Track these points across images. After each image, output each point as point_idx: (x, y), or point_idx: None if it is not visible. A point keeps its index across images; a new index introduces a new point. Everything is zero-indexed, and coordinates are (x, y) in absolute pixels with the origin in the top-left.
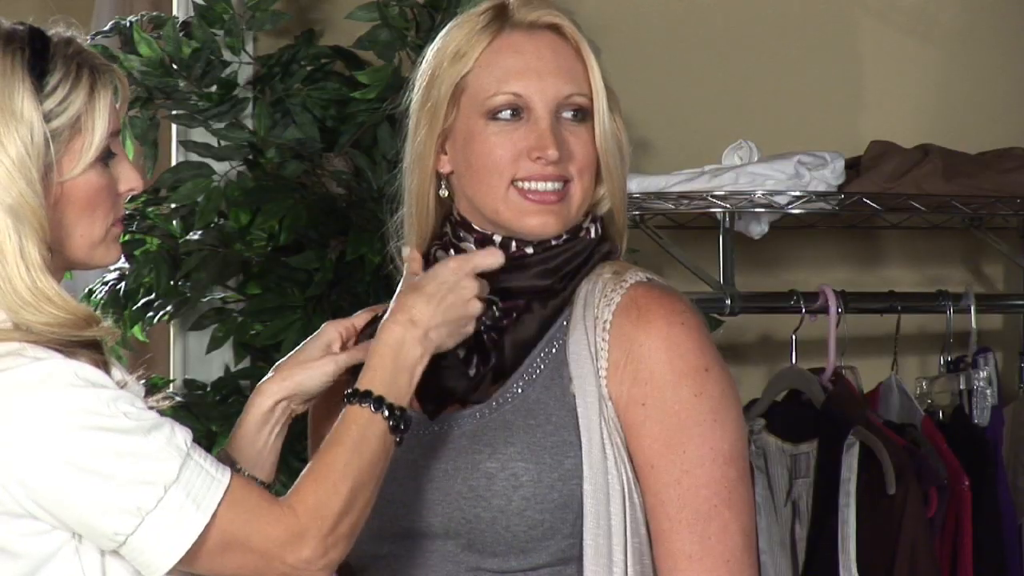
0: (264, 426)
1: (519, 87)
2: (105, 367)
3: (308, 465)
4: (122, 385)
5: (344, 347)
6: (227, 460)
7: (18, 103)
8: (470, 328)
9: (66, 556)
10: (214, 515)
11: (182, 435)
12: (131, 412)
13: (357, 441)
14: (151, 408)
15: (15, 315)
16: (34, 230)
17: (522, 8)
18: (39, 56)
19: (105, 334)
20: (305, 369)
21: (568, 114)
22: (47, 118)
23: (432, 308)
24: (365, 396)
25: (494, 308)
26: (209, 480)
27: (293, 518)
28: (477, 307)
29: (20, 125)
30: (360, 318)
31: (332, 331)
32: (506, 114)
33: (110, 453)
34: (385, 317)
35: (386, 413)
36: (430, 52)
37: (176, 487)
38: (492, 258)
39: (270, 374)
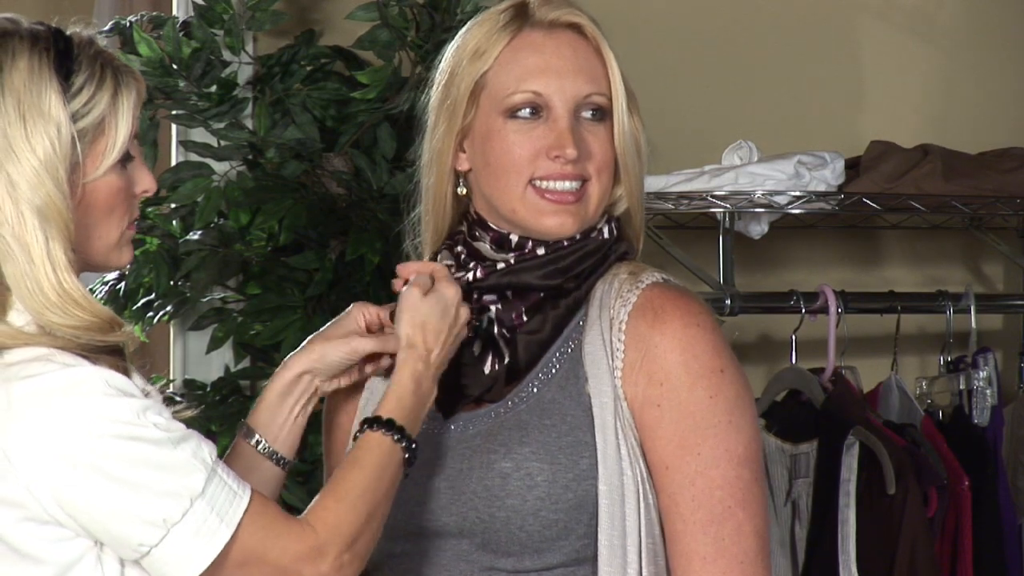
0: (286, 397)
1: (538, 86)
2: (127, 374)
3: (326, 485)
4: (145, 394)
5: (370, 331)
6: (248, 431)
7: (46, 103)
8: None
9: (88, 564)
10: (236, 530)
11: (207, 449)
12: (160, 423)
13: (377, 466)
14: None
15: (40, 316)
16: (60, 231)
17: (543, 7)
18: (64, 56)
19: (127, 339)
20: (328, 343)
21: (587, 113)
22: (73, 118)
23: (440, 344)
24: (389, 425)
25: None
26: (232, 495)
27: (313, 534)
28: (465, 329)
29: (48, 125)
30: (386, 311)
31: (357, 312)
32: (525, 112)
33: (139, 463)
34: (401, 351)
35: (405, 444)
36: (449, 50)
37: (201, 500)
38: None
39: (297, 349)
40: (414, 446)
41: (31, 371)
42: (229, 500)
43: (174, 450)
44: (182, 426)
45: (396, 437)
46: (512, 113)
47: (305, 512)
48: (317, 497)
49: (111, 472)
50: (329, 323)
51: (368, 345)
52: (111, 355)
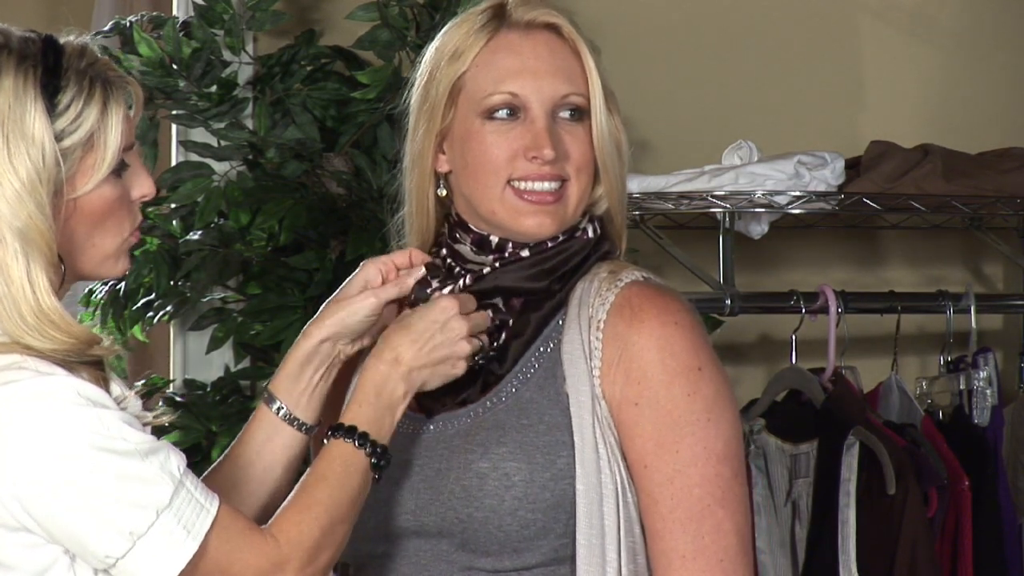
0: (307, 366)
1: (516, 87)
2: (105, 383)
3: (291, 495)
4: (121, 401)
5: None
6: (269, 397)
7: (30, 124)
8: (459, 368)
9: (60, 570)
10: (203, 543)
11: (176, 461)
12: (129, 435)
13: (340, 476)
14: (150, 422)
15: (18, 339)
16: (42, 253)
17: (520, 8)
18: (52, 73)
19: (106, 353)
20: (346, 306)
21: (565, 114)
22: (59, 137)
23: (417, 348)
24: (350, 432)
25: (485, 349)
26: (199, 508)
27: (276, 548)
28: (465, 348)
29: (31, 147)
30: (399, 256)
31: (371, 268)
32: (503, 113)
33: (106, 474)
34: (371, 354)
35: (369, 450)
36: (429, 51)
37: (168, 513)
38: (481, 319)
39: (314, 317)
40: (380, 450)
41: (3, 379)
42: (196, 513)
43: (142, 462)
44: (151, 438)
45: (358, 443)
46: (490, 114)
47: (270, 523)
48: (282, 507)
49: (77, 483)
50: (343, 285)
51: (388, 292)
52: (89, 365)
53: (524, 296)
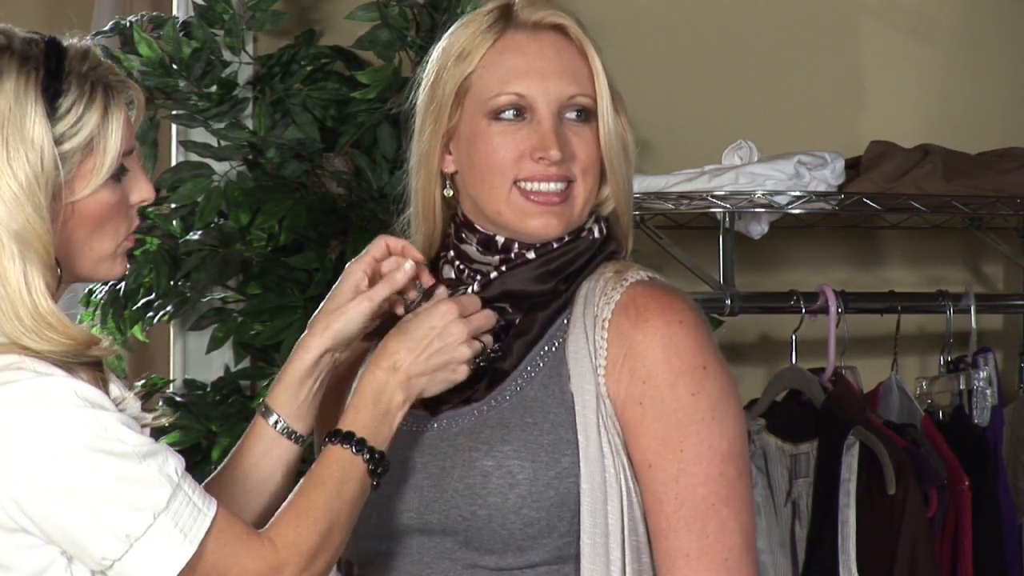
0: (308, 379)
1: (522, 87)
2: (104, 384)
3: (289, 499)
4: (120, 402)
5: (371, 284)
6: (266, 410)
7: (29, 127)
8: (460, 372)
9: (57, 571)
10: (200, 546)
11: (174, 463)
12: (128, 437)
13: (338, 481)
14: (149, 423)
15: (15, 341)
16: (39, 255)
17: (526, 8)
18: (53, 76)
19: (105, 354)
20: (342, 315)
21: (571, 114)
22: (59, 141)
23: (415, 355)
24: (348, 437)
25: (488, 350)
26: (196, 512)
27: (273, 552)
28: (465, 353)
29: (30, 150)
30: (376, 249)
31: (357, 271)
32: (509, 114)
33: (104, 476)
34: (369, 360)
35: (367, 456)
36: (435, 51)
37: (165, 516)
38: (485, 320)
39: (307, 331)
40: (377, 456)
41: (2, 379)
42: (193, 516)
43: (139, 464)
44: (150, 440)
45: (355, 449)
46: (496, 115)
47: (267, 527)
48: (280, 511)
49: (74, 484)
50: (331, 294)
51: (380, 293)
52: (88, 366)
53: (531, 299)
